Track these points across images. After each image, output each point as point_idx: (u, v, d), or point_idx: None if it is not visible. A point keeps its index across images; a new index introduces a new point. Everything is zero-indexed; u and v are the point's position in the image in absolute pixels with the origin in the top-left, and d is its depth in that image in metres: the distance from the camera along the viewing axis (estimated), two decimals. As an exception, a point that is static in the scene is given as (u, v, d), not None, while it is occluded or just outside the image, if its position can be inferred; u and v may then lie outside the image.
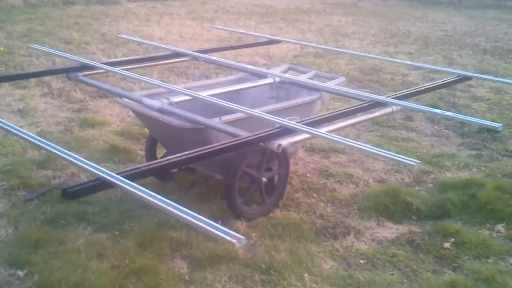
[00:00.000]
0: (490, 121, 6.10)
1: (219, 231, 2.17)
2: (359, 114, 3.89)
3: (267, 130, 3.25)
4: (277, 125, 3.37)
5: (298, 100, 4.38)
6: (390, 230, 4.15)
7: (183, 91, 3.83)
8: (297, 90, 4.66)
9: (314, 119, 3.53)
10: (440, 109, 6.40)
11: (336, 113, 3.68)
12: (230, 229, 4.10)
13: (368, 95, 4.05)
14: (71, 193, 2.46)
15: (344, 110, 3.75)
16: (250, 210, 4.23)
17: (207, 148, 2.96)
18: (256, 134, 3.18)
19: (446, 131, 6.26)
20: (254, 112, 3.54)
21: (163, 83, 3.96)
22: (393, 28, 13.40)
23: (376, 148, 3.08)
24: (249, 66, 4.56)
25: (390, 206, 4.39)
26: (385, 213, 4.34)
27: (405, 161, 2.88)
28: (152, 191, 2.47)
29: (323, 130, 3.38)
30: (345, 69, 8.67)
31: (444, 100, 7.26)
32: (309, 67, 8.74)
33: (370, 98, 3.98)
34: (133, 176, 2.65)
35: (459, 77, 4.68)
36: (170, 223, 4.04)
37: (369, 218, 4.28)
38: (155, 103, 3.75)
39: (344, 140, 3.13)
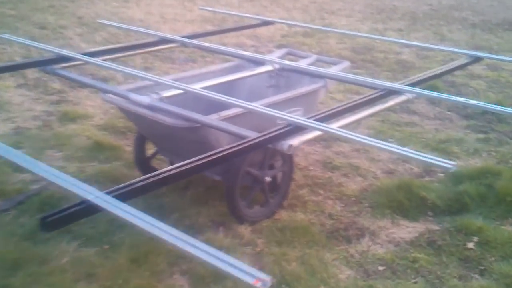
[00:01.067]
0: (496, 102, 5.84)
1: (239, 271, 1.78)
2: (372, 104, 3.51)
3: (276, 130, 2.86)
4: (280, 121, 2.97)
5: (302, 90, 3.99)
6: (406, 230, 3.82)
7: (174, 84, 3.40)
8: (298, 78, 4.27)
9: (325, 113, 3.14)
10: (440, 90, 6.09)
11: (349, 105, 3.30)
12: (233, 235, 3.82)
13: (379, 83, 3.66)
14: (51, 224, 2.02)
15: (357, 102, 3.37)
16: (253, 212, 3.86)
17: (212, 155, 2.56)
18: (263, 135, 2.79)
19: (449, 113, 5.92)
20: (256, 107, 3.14)
21: (151, 75, 3.53)
22: (378, 3, 13.00)
23: (407, 150, 2.70)
24: (245, 53, 4.15)
25: (404, 201, 4.05)
26: (399, 210, 4.00)
27: (441, 163, 2.52)
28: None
29: (335, 126, 3.02)
30: (336, 49, 8.28)
31: (442, 80, 6.91)
32: (299, 47, 8.35)
33: (381, 86, 3.60)
34: (128, 195, 2.24)
35: (472, 59, 4.33)
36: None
37: (383, 217, 3.93)
38: (144, 99, 3.33)
39: (366, 139, 2.75)
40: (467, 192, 4.08)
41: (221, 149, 2.59)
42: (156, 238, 1.93)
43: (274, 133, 2.84)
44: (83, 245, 3.57)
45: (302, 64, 4.38)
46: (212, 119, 3.30)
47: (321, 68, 4.03)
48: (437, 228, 3.81)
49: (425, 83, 3.90)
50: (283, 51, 4.90)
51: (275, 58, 4.23)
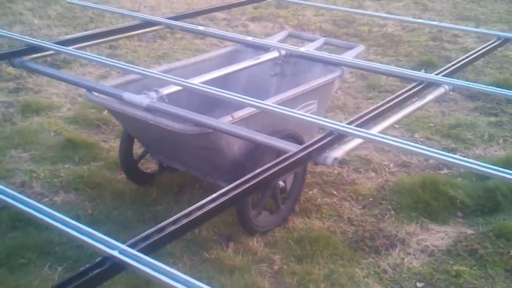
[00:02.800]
0: (502, 81, 5.41)
1: None
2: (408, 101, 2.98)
3: (317, 141, 2.29)
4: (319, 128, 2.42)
5: (319, 81, 3.43)
6: (438, 235, 3.36)
7: (172, 80, 2.78)
8: (307, 65, 3.71)
9: (364, 117, 2.58)
10: (438, 66, 5.62)
11: (389, 104, 2.75)
12: (245, 250, 3.29)
13: (412, 74, 3.12)
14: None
15: (397, 99, 2.81)
16: (263, 221, 3.34)
17: (250, 179, 1.98)
18: (305, 149, 2.22)
19: (452, 93, 5.46)
20: (278, 108, 2.54)
21: (139, 67, 2.90)
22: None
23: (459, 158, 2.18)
24: (248, 38, 3.54)
25: (431, 202, 3.59)
26: (426, 212, 3.53)
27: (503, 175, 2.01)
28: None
29: (377, 130, 2.48)
30: (315, 22, 7.71)
31: (436, 55, 6.46)
32: (274, 20, 7.77)
33: (416, 77, 3.07)
34: (157, 245, 1.69)
35: (501, 40, 3.83)
36: (166, 251, 3.09)
37: (410, 221, 3.46)
38: (142, 99, 2.70)
39: (417, 147, 2.22)
40: (498, 188, 3.64)
41: (258, 171, 2.01)
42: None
43: (316, 145, 2.28)
44: (69, 269, 2.98)
45: (311, 49, 3.82)
46: (227, 123, 2.72)
47: (337, 55, 3.47)
48: (472, 232, 3.36)
49: (458, 71, 3.39)
50: (284, 33, 4.31)
51: (280, 43, 3.65)
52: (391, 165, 4.11)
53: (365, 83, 5.62)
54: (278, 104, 3.03)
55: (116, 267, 1.58)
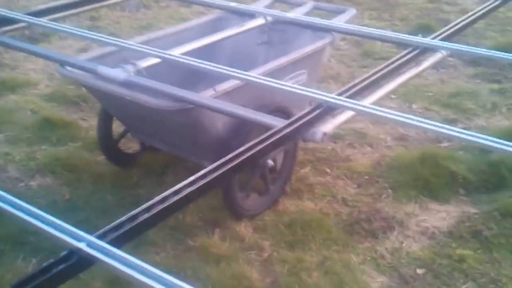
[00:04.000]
0: (505, 44, 5.14)
1: None
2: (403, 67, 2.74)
3: (305, 114, 2.06)
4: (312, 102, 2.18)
5: (308, 49, 3.18)
6: (438, 215, 3.14)
7: (151, 51, 2.52)
8: (296, 31, 3.44)
9: (356, 87, 2.35)
10: (436, 29, 5.35)
11: (382, 72, 2.51)
12: (232, 236, 3.07)
13: (406, 38, 2.87)
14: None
15: (388, 68, 2.57)
16: (252, 204, 3.12)
17: (236, 157, 1.76)
18: (292, 123, 1.99)
19: (450, 58, 5.20)
20: (263, 80, 2.30)
21: (116, 39, 2.65)
22: None
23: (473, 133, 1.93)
24: (231, 4, 3.27)
25: (430, 179, 3.36)
26: (425, 190, 3.31)
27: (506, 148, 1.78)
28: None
29: (369, 101, 2.27)
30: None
31: (434, 18, 6.17)
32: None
33: (411, 42, 2.82)
34: (130, 235, 1.49)
35: None
36: (148, 239, 2.88)
37: (408, 200, 3.24)
38: (118, 73, 2.45)
39: (412, 119, 2.00)
40: (503, 162, 3.41)
41: (240, 150, 1.79)
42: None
43: (304, 119, 2.05)
44: (44, 261, 2.75)
45: (300, 14, 3.56)
46: (209, 98, 2.49)
47: (327, 20, 3.21)
48: (475, 211, 3.15)
49: (457, 34, 3.14)
50: (270, -4, 4.02)
51: (265, 9, 3.38)
52: (388, 138, 3.88)
53: (359, 50, 5.35)
54: (264, 76, 2.81)
55: (83, 261, 1.39)
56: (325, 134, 2.06)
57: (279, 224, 3.04)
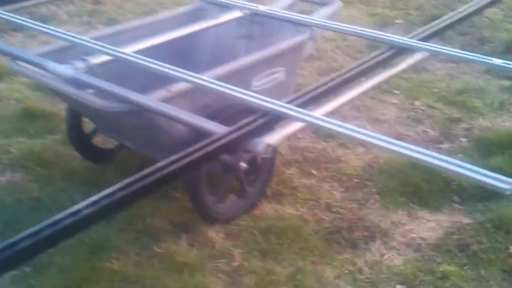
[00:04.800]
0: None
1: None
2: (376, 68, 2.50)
3: (251, 121, 1.87)
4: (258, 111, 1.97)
5: (282, 45, 2.96)
6: (427, 225, 2.92)
7: (99, 47, 2.34)
8: (277, 25, 3.22)
9: (317, 91, 2.13)
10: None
11: (348, 75, 2.28)
12: (201, 242, 2.89)
13: (385, 37, 2.64)
14: None
15: (358, 69, 2.33)
16: (226, 207, 2.93)
17: (156, 172, 1.58)
18: (234, 131, 1.80)
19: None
20: (212, 83, 2.09)
21: (71, 34, 2.47)
22: None
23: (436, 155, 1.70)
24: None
25: (422, 185, 3.13)
26: (416, 197, 3.09)
27: (497, 184, 1.55)
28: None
29: (321, 111, 2.04)
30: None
31: (450, 8, 5.84)
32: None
33: (388, 41, 2.60)
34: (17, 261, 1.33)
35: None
36: (110, 244, 2.72)
37: (396, 207, 3.02)
38: (65, 69, 2.29)
39: (365, 135, 1.78)
40: (501, 168, 3.15)
41: (166, 163, 1.61)
42: None
43: (248, 127, 1.86)
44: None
45: (279, 8, 3.34)
46: (155, 101, 2.27)
47: (304, 16, 2.98)
48: (468, 221, 2.91)
49: (442, 33, 2.89)
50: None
51: (243, 1, 3.14)
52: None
53: (367, 41, 5.06)
54: (231, 74, 2.62)
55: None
56: (268, 145, 1.87)
57: (254, 230, 2.85)
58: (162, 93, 2.39)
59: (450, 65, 4.64)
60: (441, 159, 1.60)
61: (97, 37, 2.85)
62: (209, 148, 1.68)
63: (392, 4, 6.04)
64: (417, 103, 4.07)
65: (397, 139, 3.55)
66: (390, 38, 2.55)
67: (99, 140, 3.37)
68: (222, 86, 1.97)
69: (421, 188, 3.10)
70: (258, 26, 3.29)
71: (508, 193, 1.53)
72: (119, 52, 2.27)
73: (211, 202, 2.82)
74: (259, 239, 2.79)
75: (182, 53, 3.32)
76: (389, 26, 5.41)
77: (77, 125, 3.20)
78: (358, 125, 3.67)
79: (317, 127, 1.85)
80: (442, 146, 3.57)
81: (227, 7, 3.02)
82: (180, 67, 2.16)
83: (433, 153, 1.63)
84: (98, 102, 2.33)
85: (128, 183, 1.53)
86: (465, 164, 1.59)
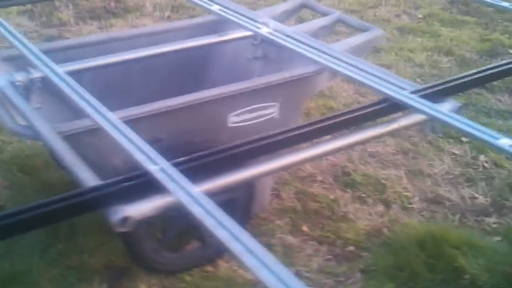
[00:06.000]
0: None
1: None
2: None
3: (123, 180, 1.42)
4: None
5: (276, 77, 2.46)
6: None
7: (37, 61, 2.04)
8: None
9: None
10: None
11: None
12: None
13: (376, 86, 1.99)
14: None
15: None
16: (177, 258, 2.54)
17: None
18: (100, 188, 1.38)
19: None
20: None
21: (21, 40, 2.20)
22: None
23: None
24: (207, 4, 2.61)
25: (421, 271, 2.46)
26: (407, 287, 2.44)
27: None
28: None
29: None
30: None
31: None
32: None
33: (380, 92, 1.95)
34: None
35: None
36: (28, 279, 2.44)
37: (378, 295, 2.40)
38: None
39: None
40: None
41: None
42: None
43: (118, 186, 1.41)
44: None
45: (318, 26, 2.85)
46: (52, 133, 1.91)
47: (322, 43, 2.36)
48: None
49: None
50: (297, 1, 3.25)
51: (264, 17, 2.62)
52: (416, 198, 2.98)
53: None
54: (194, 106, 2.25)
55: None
56: (126, 218, 1.42)
57: (193, 290, 2.42)
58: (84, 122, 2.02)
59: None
60: None
61: (94, 41, 2.77)
62: (55, 207, 1.32)
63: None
64: (481, 157, 3.31)
65: (430, 201, 2.92)
66: (386, 92, 1.87)
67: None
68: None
69: (419, 275, 2.44)
70: (274, 48, 2.80)
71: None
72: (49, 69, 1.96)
73: (151, 249, 2.43)
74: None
75: (190, 66, 2.98)
76: (499, 56, 4.55)
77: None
78: (386, 176, 3.08)
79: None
80: (486, 219, 2.83)
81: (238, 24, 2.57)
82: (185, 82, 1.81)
83: None
84: (8, 125, 2.05)
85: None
86: None
